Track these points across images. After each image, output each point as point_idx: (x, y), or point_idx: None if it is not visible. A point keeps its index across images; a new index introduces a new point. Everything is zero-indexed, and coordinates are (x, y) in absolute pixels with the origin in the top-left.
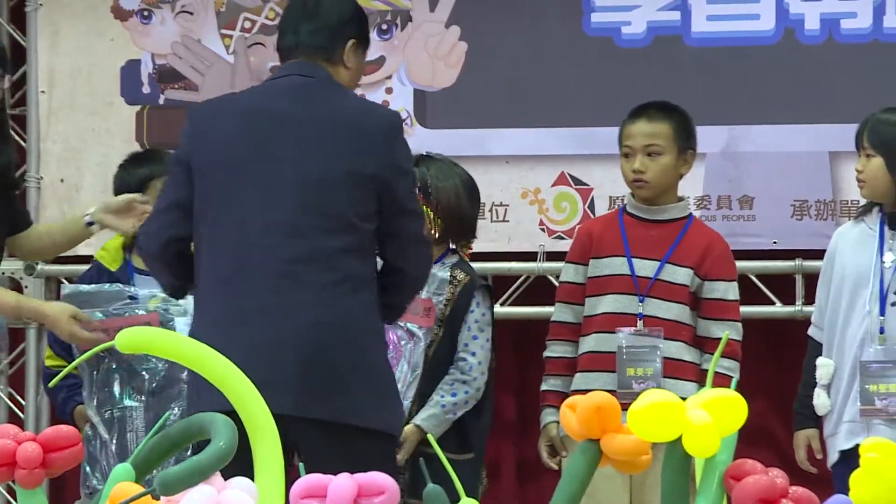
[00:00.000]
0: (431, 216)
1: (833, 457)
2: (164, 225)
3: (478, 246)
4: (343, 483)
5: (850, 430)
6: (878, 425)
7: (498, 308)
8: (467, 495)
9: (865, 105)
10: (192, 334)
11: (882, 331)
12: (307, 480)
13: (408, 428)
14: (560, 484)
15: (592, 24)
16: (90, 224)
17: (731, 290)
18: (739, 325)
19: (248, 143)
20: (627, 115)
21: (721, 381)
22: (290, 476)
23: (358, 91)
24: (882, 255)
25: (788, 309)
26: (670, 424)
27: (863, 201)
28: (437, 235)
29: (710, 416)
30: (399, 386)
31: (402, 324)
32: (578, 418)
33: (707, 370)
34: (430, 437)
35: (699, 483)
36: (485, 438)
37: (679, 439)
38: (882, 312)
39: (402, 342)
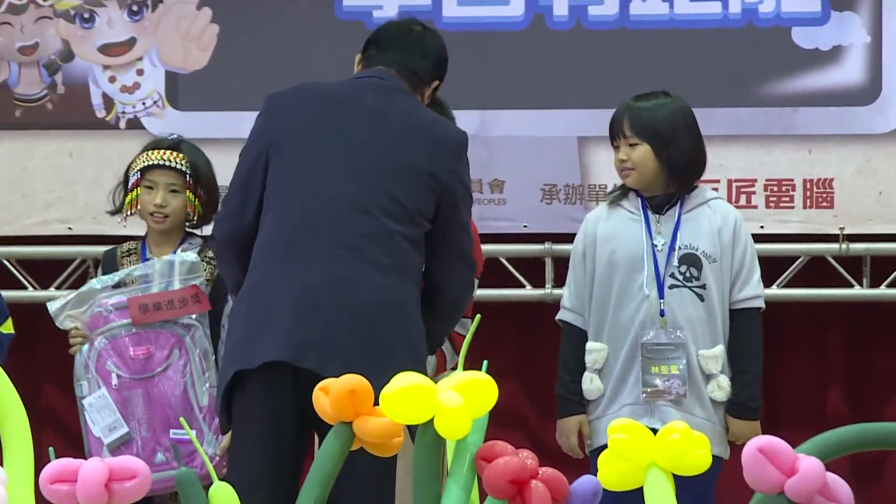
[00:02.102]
0: (195, 201)
1: (602, 440)
2: (234, 208)
3: None
4: (93, 467)
5: (633, 413)
6: (663, 406)
7: None
8: None
9: (613, 91)
10: (249, 292)
11: (662, 313)
12: (57, 465)
13: None
14: (313, 466)
15: (344, 7)
16: None
17: None
18: (467, 321)
19: (326, 122)
20: None
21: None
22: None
23: (108, 73)
24: (652, 238)
25: (538, 292)
26: (422, 406)
27: (610, 186)
28: (196, 221)
29: (461, 399)
30: (202, 375)
31: (174, 321)
32: (331, 401)
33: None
34: (182, 420)
35: (450, 464)
36: None
37: (431, 421)
38: (661, 295)
39: (184, 338)
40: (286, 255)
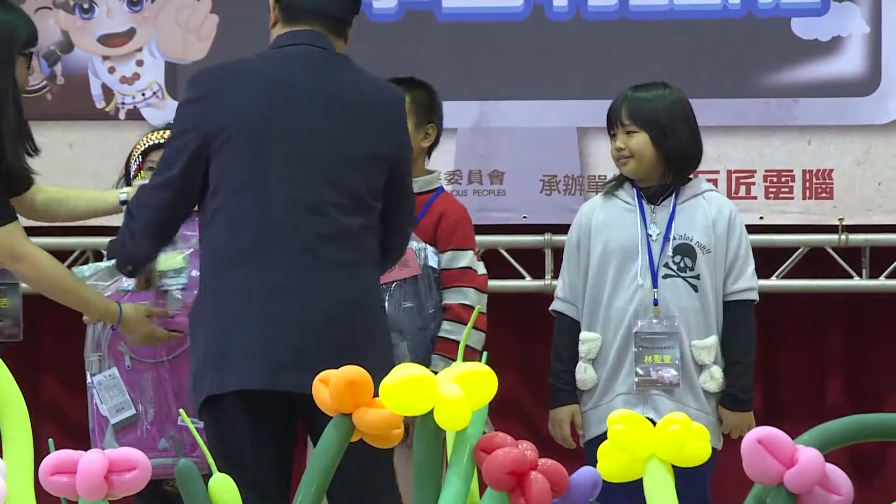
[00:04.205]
0: None
1: (596, 430)
2: (168, 199)
3: None
4: (93, 459)
5: (627, 402)
6: (656, 396)
7: None
8: None
9: (613, 82)
10: (210, 301)
11: (656, 302)
12: (56, 456)
13: None
14: (312, 457)
15: None
16: (124, 203)
17: (461, 258)
18: (470, 290)
19: (274, 114)
20: None
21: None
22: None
23: (108, 63)
24: (647, 228)
25: (538, 283)
26: (422, 398)
27: (609, 177)
28: None
29: (460, 390)
30: None
31: None
32: (331, 392)
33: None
34: (182, 412)
35: (450, 456)
36: None
37: (431, 413)
38: (655, 285)
39: None
40: (246, 263)
